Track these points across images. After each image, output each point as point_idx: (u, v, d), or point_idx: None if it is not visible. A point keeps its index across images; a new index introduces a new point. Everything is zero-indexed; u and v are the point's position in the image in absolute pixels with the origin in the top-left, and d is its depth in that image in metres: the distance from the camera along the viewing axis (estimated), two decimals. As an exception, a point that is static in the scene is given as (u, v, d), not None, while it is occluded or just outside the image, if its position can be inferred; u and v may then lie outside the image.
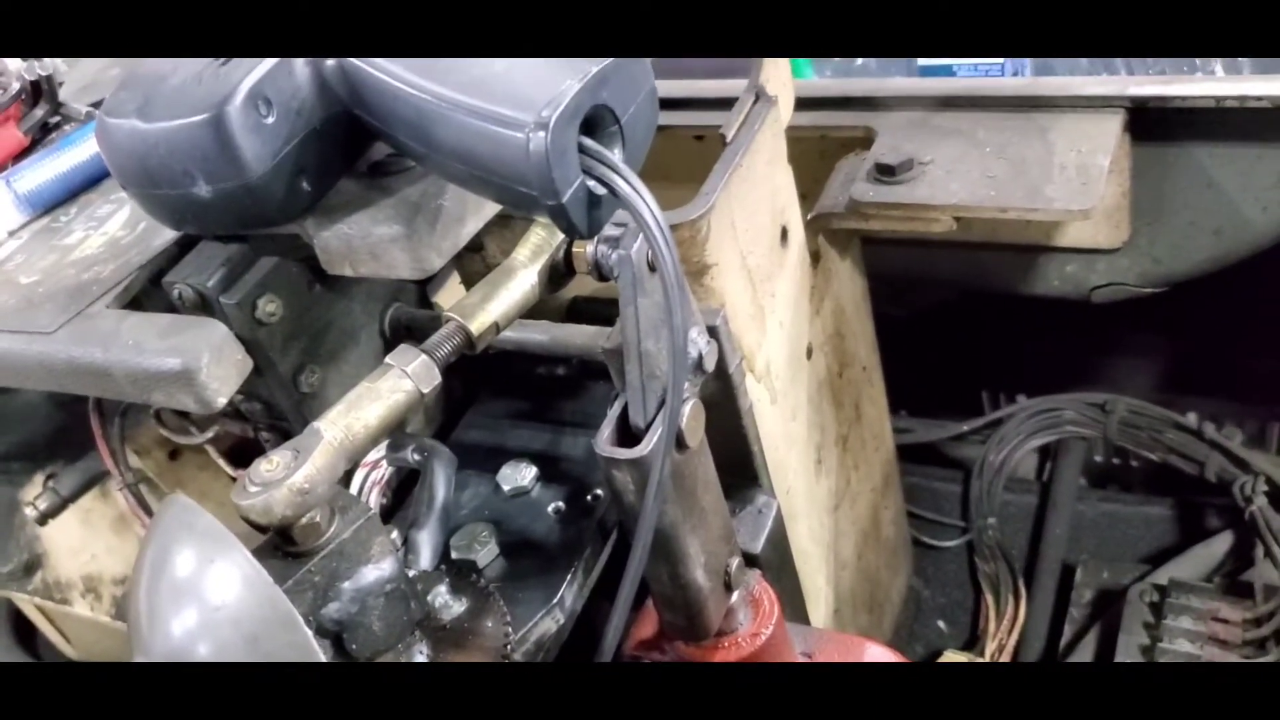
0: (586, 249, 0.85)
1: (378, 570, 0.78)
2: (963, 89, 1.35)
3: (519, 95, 0.70)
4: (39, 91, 1.23)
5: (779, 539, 1.14)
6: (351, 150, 0.87)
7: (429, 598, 0.87)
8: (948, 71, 1.56)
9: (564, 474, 1.02)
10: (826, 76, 1.79)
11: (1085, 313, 1.59)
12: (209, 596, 0.66)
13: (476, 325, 0.82)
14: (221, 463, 1.05)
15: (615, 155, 0.72)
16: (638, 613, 1.05)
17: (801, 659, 1.08)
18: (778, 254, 1.14)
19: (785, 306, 1.17)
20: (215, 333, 0.84)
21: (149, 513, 1.12)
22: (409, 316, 1.04)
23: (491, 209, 0.90)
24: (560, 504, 0.99)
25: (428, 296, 1.09)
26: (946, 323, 1.84)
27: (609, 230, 0.80)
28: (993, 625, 1.65)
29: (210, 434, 1.03)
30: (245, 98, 0.77)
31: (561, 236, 0.87)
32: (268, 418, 0.99)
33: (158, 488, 1.29)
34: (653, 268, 0.78)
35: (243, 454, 1.12)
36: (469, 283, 1.19)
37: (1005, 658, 1.61)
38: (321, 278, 0.93)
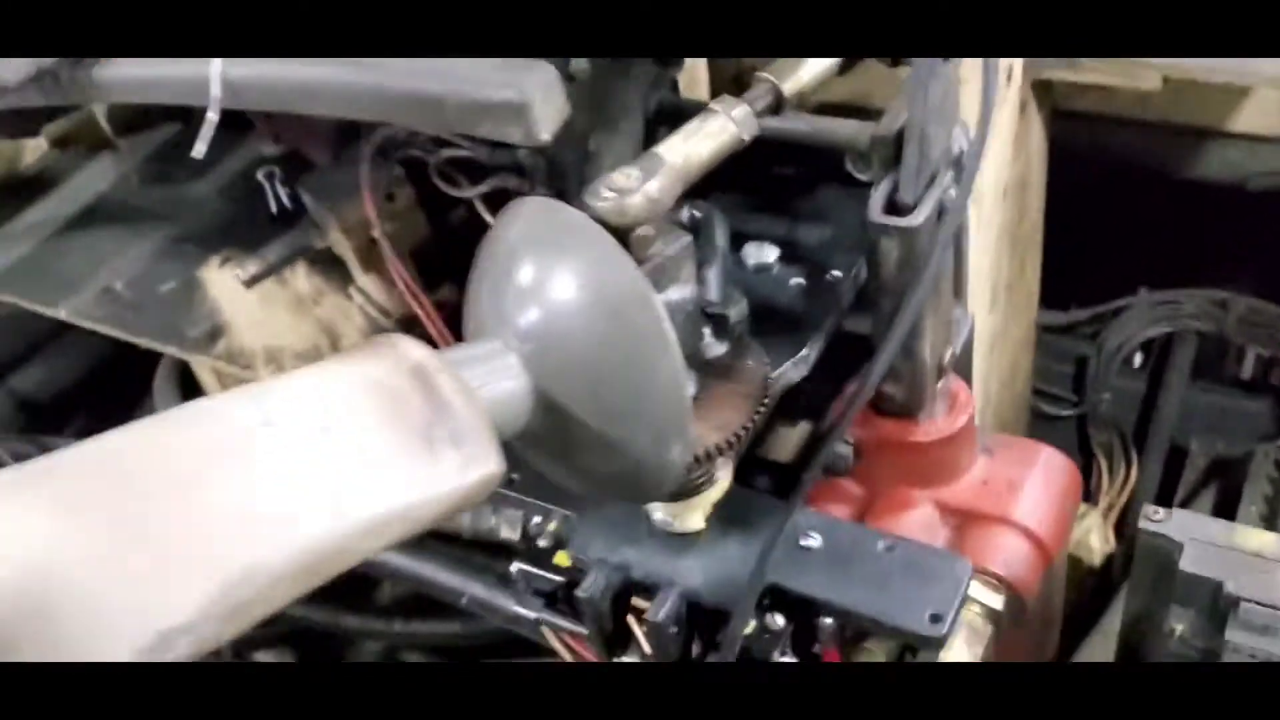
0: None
1: (682, 291, 0.88)
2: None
3: None
4: None
5: (968, 351, 1.24)
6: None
7: (694, 336, 0.97)
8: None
9: (802, 257, 1.11)
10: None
11: (1236, 201, 1.65)
12: (577, 267, 0.71)
13: (789, 86, 0.91)
14: (486, 215, 1.14)
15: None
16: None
17: (982, 455, 1.19)
18: (1002, 88, 1.23)
19: (998, 141, 1.26)
20: (547, 73, 0.94)
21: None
22: (672, 104, 1.13)
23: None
24: (801, 280, 1.09)
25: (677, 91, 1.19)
26: (1092, 202, 1.91)
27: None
28: (1105, 484, 1.75)
29: (484, 188, 1.12)
30: None
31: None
32: (547, 174, 1.08)
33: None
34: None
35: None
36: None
37: (1113, 517, 1.72)
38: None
